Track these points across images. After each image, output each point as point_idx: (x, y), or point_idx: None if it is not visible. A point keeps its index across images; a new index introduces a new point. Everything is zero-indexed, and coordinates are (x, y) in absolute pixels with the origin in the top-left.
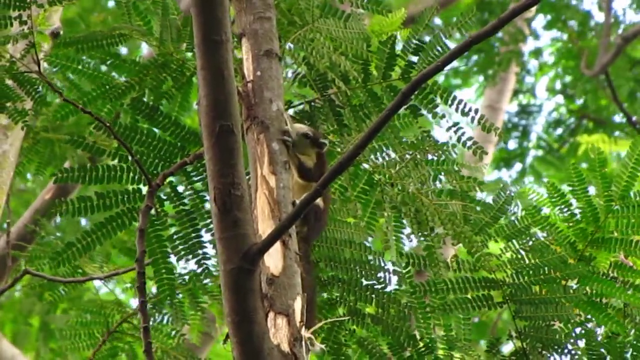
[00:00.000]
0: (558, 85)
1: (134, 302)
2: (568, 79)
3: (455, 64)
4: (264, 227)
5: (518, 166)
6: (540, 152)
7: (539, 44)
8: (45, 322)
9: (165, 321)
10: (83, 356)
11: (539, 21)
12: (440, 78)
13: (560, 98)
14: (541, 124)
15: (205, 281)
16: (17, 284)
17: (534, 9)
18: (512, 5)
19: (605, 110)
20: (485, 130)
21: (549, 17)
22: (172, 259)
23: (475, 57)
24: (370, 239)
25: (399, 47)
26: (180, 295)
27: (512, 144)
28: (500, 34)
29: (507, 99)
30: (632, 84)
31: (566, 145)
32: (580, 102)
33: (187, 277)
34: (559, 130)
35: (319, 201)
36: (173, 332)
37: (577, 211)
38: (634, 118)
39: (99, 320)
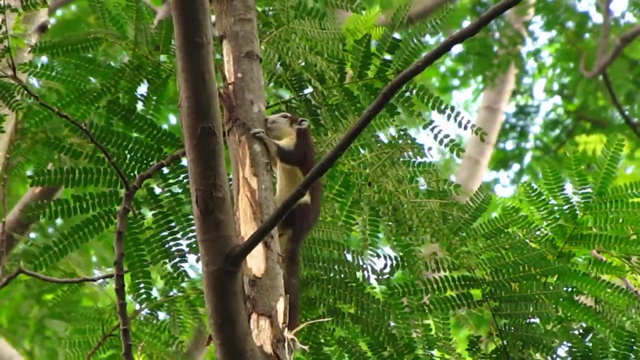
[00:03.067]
0: (556, 86)
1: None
2: (566, 80)
3: (451, 64)
4: (246, 229)
5: (516, 167)
6: (538, 153)
7: (537, 45)
8: (42, 324)
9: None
10: None
11: (537, 22)
12: (437, 78)
13: (557, 99)
14: (539, 125)
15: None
16: (13, 282)
17: (532, 10)
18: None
19: (602, 111)
20: (462, 127)
21: (546, 18)
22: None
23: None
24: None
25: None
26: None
27: (510, 145)
28: (497, 36)
29: (506, 100)
30: (630, 85)
31: (564, 146)
32: (577, 102)
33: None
34: (557, 131)
35: (305, 197)
36: (171, 340)
37: (555, 208)
38: (635, 120)
39: (97, 328)
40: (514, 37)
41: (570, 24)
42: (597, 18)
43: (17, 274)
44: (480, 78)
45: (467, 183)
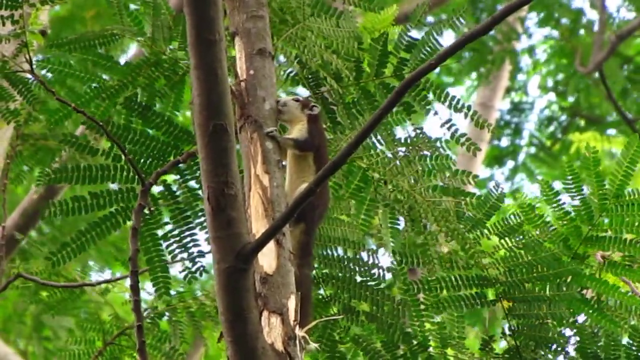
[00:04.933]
0: (550, 83)
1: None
2: (561, 76)
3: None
4: (258, 226)
5: (510, 164)
6: (532, 150)
7: (531, 41)
8: (40, 322)
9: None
10: None
11: (532, 19)
12: (432, 76)
13: (552, 95)
14: (533, 122)
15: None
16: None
17: (526, 7)
18: (504, 4)
19: (597, 107)
20: (479, 126)
21: (541, 14)
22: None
23: (468, 54)
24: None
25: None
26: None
27: (504, 142)
28: (493, 32)
29: (500, 96)
30: (624, 81)
31: (558, 142)
32: (572, 99)
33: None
34: (551, 128)
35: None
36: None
37: (570, 209)
38: (629, 116)
39: (98, 337)
40: (509, 32)
41: (564, 21)
42: (592, 15)
43: (16, 278)
44: (474, 75)
45: None
